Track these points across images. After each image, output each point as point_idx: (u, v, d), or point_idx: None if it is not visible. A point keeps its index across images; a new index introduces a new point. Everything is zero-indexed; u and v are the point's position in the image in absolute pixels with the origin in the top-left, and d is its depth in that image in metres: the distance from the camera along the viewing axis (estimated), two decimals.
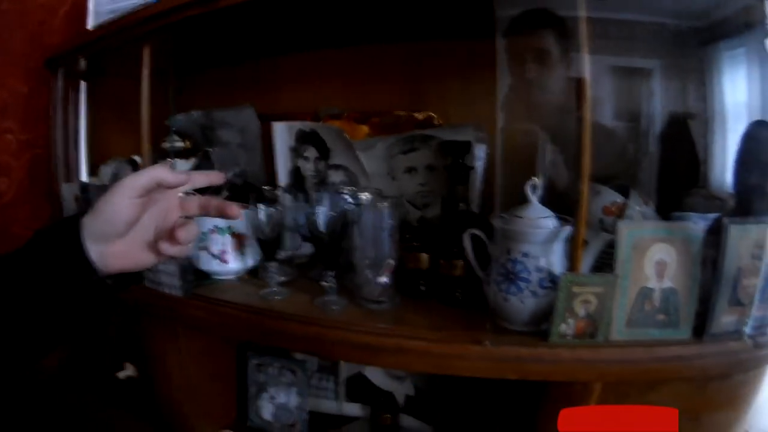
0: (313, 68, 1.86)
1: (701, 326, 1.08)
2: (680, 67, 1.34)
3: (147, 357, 1.60)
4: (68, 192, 1.83)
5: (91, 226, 0.76)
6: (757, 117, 1.22)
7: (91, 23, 1.77)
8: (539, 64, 1.34)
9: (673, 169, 1.31)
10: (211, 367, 1.63)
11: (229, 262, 1.50)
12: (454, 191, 1.31)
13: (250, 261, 1.53)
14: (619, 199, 1.24)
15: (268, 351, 1.68)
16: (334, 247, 1.27)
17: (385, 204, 1.24)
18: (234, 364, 1.72)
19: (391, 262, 1.23)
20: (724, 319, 1.08)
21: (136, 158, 1.85)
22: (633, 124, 1.39)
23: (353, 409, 1.69)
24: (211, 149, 1.76)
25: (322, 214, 1.25)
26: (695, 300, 1.08)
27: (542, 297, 1.07)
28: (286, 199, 1.43)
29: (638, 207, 1.24)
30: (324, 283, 1.28)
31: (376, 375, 1.65)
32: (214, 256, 1.49)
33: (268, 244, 1.39)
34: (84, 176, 2.00)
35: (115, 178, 1.85)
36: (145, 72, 1.53)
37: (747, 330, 1.10)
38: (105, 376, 1.73)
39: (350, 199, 1.30)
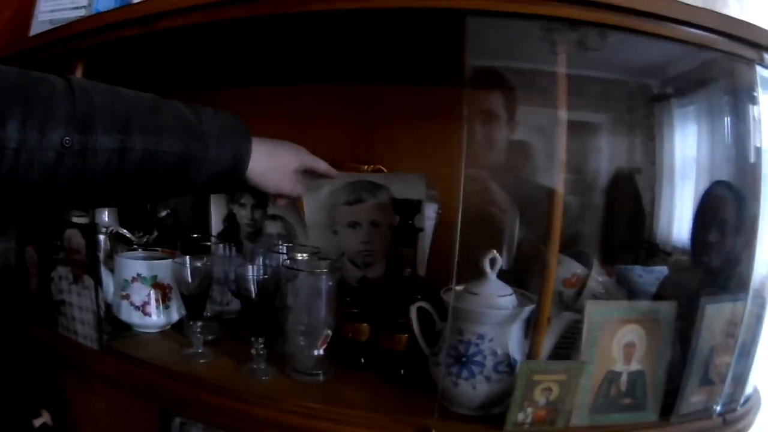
0: (255, 106, 1.72)
1: (668, 406, 1.03)
2: (628, 122, 1.33)
3: (61, 407, 1.49)
4: None
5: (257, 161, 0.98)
6: (705, 173, 1.24)
7: (31, 32, 1.65)
8: (487, 125, 1.28)
9: (618, 223, 1.30)
10: (129, 425, 1.47)
11: (151, 315, 1.38)
12: (400, 254, 1.21)
13: (175, 315, 1.41)
14: (579, 269, 1.17)
15: None
16: (264, 310, 1.16)
17: (324, 268, 1.13)
18: (156, 422, 1.59)
19: (329, 332, 1.12)
20: (694, 398, 1.04)
21: None
22: (579, 177, 1.33)
23: None
24: None
25: (254, 272, 1.15)
26: (663, 381, 1.02)
27: (497, 382, 0.97)
28: (218, 249, 1.32)
29: (600, 278, 1.18)
30: (252, 351, 1.17)
31: None
32: (135, 307, 1.37)
33: (195, 297, 1.26)
34: None
35: None
36: None
37: (717, 408, 1.07)
38: (21, 422, 1.59)
39: (286, 258, 1.21)
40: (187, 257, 1.23)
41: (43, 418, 1.52)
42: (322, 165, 1.18)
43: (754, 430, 1.21)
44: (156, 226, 1.62)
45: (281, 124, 1.67)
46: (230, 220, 1.54)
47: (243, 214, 1.53)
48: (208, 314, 1.33)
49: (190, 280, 1.23)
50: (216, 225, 1.55)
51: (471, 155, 0.98)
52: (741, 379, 1.10)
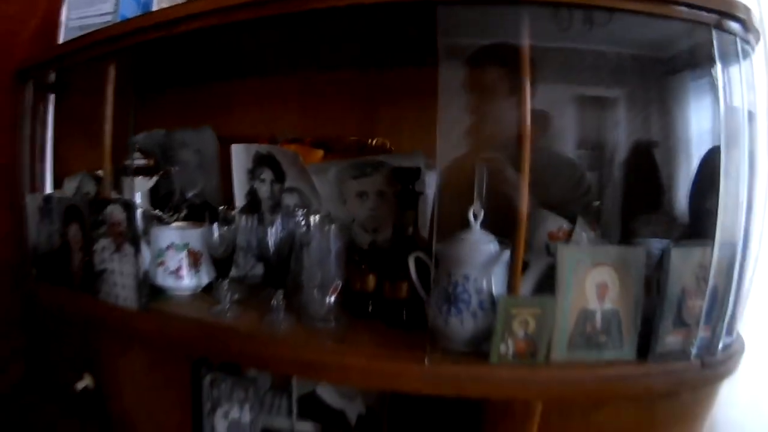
0: (270, 93, 1.90)
1: (646, 347, 1.11)
2: (644, 96, 1.38)
3: (101, 369, 1.61)
4: (32, 203, 1.82)
5: None
6: (701, 143, 1.27)
7: (61, 38, 1.79)
8: (494, 97, 1.36)
9: (636, 196, 1.34)
10: (164, 382, 1.63)
11: (184, 278, 1.52)
12: (403, 216, 1.33)
13: (205, 278, 1.55)
14: (565, 225, 1.27)
15: (222, 368, 1.67)
16: (282, 267, 1.30)
17: (333, 226, 1.26)
18: (188, 380, 1.70)
19: (338, 282, 1.25)
20: (669, 339, 1.11)
21: (100, 173, 1.86)
22: (597, 152, 1.42)
23: (305, 427, 1.68)
24: (172, 168, 1.79)
25: (273, 234, 1.28)
26: (638, 321, 1.11)
27: (482, 319, 1.09)
28: (241, 220, 1.44)
29: (584, 233, 1.26)
30: (272, 302, 1.30)
31: (328, 393, 1.65)
32: (170, 272, 1.51)
33: (222, 263, 1.41)
34: (48, 188, 2.01)
35: (79, 191, 1.87)
36: (109, 89, 1.55)
37: (694, 350, 1.12)
38: (65, 386, 1.71)
39: (301, 222, 1.32)
40: (215, 224, 1.38)
41: (85, 381, 1.64)
42: None
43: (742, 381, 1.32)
44: (185, 205, 1.74)
45: (298, 108, 1.85)
46: (252, 194, 1.66)
47: (263, 189, 1.65)
48: (234, 275, 1.47)
49: (218, 244, 1.37)
50: (240, 201, 1.67)
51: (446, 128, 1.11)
52: (717, 324, 1.16)
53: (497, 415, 1.17)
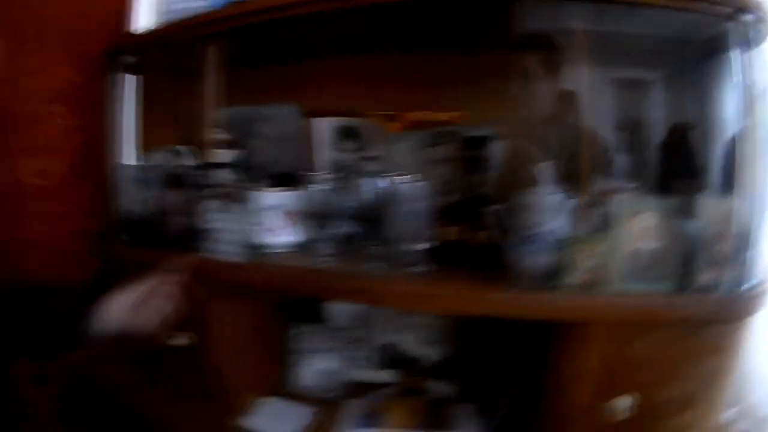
0: (350, 72, 2.06)
1: (684, 282, 1.29)
2: (681, 78, 1.50)
3: (199, 325, 1.72)
4: (125, 173, 1.99)
5: None
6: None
7: (153, 22, 1.97)
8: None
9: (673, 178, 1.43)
10: (258, 336, 1.83)
11: (280, 236, 1.68)
12: (471, 178, 1.52)
13: (300, 237, 1.71)
14: (620, 186, 1.40)
15: (310, 320, 1.87)
16: (372, 225, 1.48)
17: (422, 183, 1.42)
18: (278, 333, 1.91)
19: (426, 232, 1.43)
20: (703, 276, 1.29)
21: (180, 148, 1.99)
22: (633, 134, 1.53)
23: (385, 375, 1.88)
24: (255, 141, 1.93)
25: (368, 193, 1.47)
26: (678, 260, 1.30)
27: (551, 257, 1.30)
28: (333, 183, 1.60)
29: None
30: (367, 251, 1.48)
31: (406, 342, 1.85)
32: (268, 230, 1.67)
33: (316, 222, 1.60)
34: (132, 162, 2.14)
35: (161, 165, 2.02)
36: (210, 69, 1.73)
37: (723, 287, 1.30)
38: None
39: (391, 182, 1.48)
40: (310, 186, 1.58)
41: (180, 339, 1.76)
42: None
43: None
44: (268, 176, 1.82)
45: (377, 85, 2.03)
46: (335, 164, 1.83)
47: (346, 159, 1.83)
48: (327, 233, 1.63)
49: (312, 204, 1.58)
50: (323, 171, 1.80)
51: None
52: (744, 266, 1.32)
53: (565, 338, 1.36)
